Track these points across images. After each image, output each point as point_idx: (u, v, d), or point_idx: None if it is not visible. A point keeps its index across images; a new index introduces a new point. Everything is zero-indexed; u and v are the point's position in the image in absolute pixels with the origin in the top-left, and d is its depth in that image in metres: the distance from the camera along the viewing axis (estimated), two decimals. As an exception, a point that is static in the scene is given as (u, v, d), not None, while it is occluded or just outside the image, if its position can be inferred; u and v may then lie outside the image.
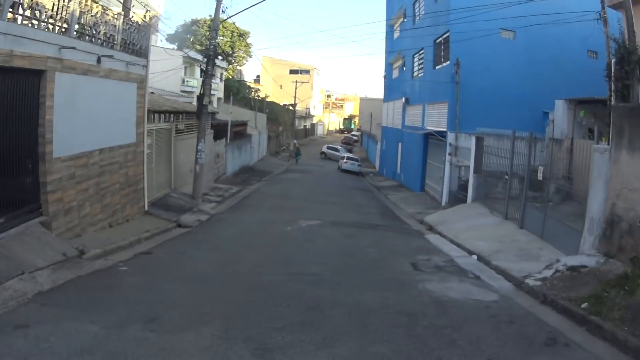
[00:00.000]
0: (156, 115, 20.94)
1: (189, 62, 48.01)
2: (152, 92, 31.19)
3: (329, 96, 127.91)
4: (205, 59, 22.42)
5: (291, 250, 13.51)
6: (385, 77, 48.78)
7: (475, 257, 13.23)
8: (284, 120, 67.54)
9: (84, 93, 13.07)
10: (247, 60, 74.53)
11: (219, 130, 36.03)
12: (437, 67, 29.36)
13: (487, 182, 20.51)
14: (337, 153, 58.74)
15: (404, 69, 39.16)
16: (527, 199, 15.74)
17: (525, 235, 14.72)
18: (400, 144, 37.91)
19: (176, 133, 22.89)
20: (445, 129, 26.41)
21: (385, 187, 35.12)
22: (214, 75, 22.48)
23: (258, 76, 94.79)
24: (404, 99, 36.36)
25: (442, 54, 28.70)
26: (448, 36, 27.40)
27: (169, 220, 17.54)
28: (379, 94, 52.25)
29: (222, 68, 58.10)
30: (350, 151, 62.06)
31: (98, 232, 13.63)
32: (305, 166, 49.20)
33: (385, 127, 46.74)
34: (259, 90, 75.20)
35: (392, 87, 44.38)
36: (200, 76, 45.45)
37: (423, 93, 31.88)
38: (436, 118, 29.04)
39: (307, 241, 14.93)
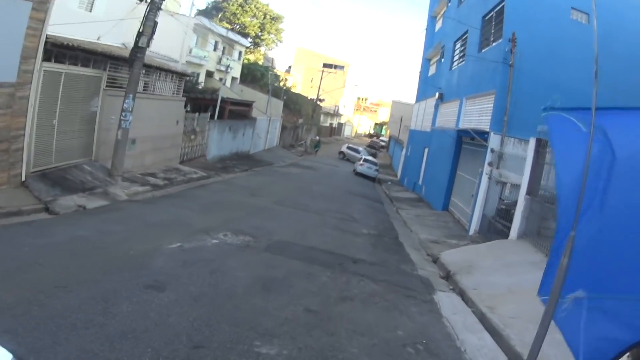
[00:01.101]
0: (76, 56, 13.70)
1: (201, 32, 41.26)
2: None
3: (363, 99, 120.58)
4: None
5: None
6: (420, 73, 41.06)
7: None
8: (306, 113, 60.01)
9: None
10: (276, 45, 67.50)
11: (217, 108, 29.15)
12: (484, 50, 21.48)
13: (544, 211, 12.86)
14: (357, 155, 50.93)
15: (442, 60, 31.36)
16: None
17: None
18: (426, 150, 30.11)
19: (108, 86, 15.82)
20: (487, 129, 18.59)
21: (401, 199, 27.31)
22: (160, 8, 15.14)
23: (290, 67, 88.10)
24: (437, 94, 28.53)
25: (493, 31, 20.82)
26: (502, 7, 19.69)
27: (40, 199, 11.47)
28: (413, 99, 45.08)
29: (242, 46, 51.06)
30: (374, 155, 54.01)
31: None
32: (316, 163, 41.38)
33: (413, 130, 38.91)
34: (285, 79, 68.08)
35: (426, 85, 36.48)
36: (211, 49, 38.41)
37: (462, 85, 24.05)
38: (476, 116, 21.19)
39: (148, 289, 6.78)
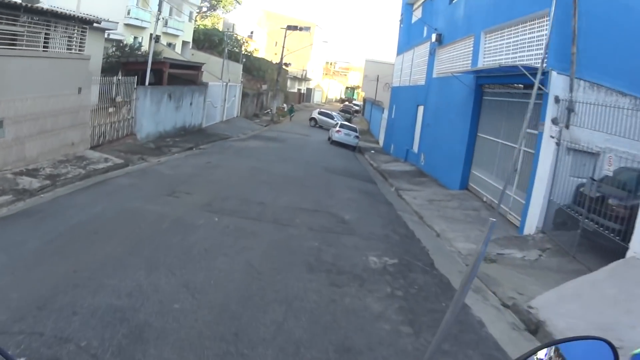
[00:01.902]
0: None
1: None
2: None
3: (332, 64, 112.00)
4: None
5: None
6: (401, 22, 33.83)
7: None
8: (271, 79, 52.32)
9: None
10: (234, 7, 59.35)
11: (158, 75, 22.72)
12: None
13: None
14: (330, 120, 43.66)
15: (434, -4, 24.29)
16: None
17: None
18: (421, 108, 23.16)
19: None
20: (537, 66, 11.67)
21: (396, 173, 20.44)
22: None
23: (252, 32, 79.91)
24: (433, 36, 21.43)
25: None
26: None
27: None
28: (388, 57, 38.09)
29: (192, 5, 43.28)
30: (348, 121, 46.64)
31: None
32: (283, 133, 33.57)
33: (397, 87, 31.78)
34: (246, 43, 60.05)
35: (410, 34, 29.43)
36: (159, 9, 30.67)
37: (476, 16, 16.97)
38: (508, 54, 14.23)
39: None
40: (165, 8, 38.01)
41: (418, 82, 24.74)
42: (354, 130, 32.93)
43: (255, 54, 59.54)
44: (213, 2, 56.64)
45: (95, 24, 15.15)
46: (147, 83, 20.39)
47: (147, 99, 19.86)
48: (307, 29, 76.66)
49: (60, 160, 13.14)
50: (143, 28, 33.51)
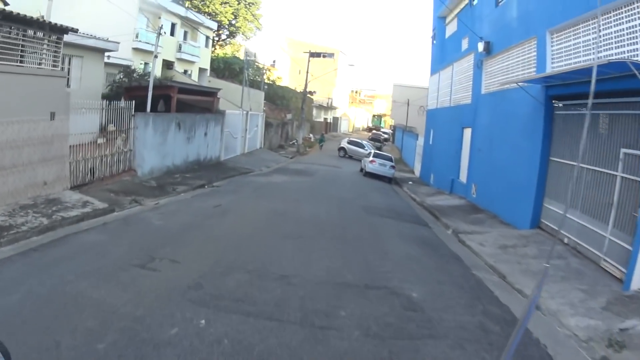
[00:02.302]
0: None
1: (152, 12, 31.52)
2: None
3: (357, 92, 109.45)
4: None
5: None
6: (433, 38, 31.12)
7: None
8: (296, 107, 49.95)
9: None
10: (254, 34, 57.29)
11: (169, 102, 21.08)
12: None
13: None
14: (361, 150, 41.04)
15: (474, 3, 21.51)
16: None
17: None
18: (468, 131, 20.24)
19: None
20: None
21: (445, 209, 17.43)
22: None
23: (275, 61, 78.21)
24: (480, 46, 18.58)
25: None
26: None
27: None
28: (417, 83, 35.31)
29: (208, 29, 41.30)
30: (379, 149, 43.72)
31: None
32: (312, 165, 30.99)
33: (433, 110, 28.88)
34: (268, 70, 57.79)
35: (445, 50, 26.69)
36: (168, 33, 28.39)
37: (536, 13, 14.02)
38: (587, 54, 11.25)
39: None
40: (179, 32, 36.06)
41: (462, 102, 21.84)
42: (389, 159, 30.00)
43: (278, 82, 57.36)
44: (232, 29, 54.69)
45: (72, 33, 12.58)
46: (148, 109, 17.88)
47: (149, 128, 17.31)
48: (331, 55, 74.96)
49: (23, 205, 10.53)
50: (149, 52, 31.47)
